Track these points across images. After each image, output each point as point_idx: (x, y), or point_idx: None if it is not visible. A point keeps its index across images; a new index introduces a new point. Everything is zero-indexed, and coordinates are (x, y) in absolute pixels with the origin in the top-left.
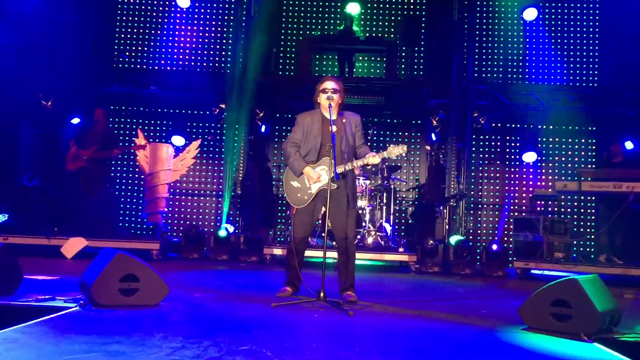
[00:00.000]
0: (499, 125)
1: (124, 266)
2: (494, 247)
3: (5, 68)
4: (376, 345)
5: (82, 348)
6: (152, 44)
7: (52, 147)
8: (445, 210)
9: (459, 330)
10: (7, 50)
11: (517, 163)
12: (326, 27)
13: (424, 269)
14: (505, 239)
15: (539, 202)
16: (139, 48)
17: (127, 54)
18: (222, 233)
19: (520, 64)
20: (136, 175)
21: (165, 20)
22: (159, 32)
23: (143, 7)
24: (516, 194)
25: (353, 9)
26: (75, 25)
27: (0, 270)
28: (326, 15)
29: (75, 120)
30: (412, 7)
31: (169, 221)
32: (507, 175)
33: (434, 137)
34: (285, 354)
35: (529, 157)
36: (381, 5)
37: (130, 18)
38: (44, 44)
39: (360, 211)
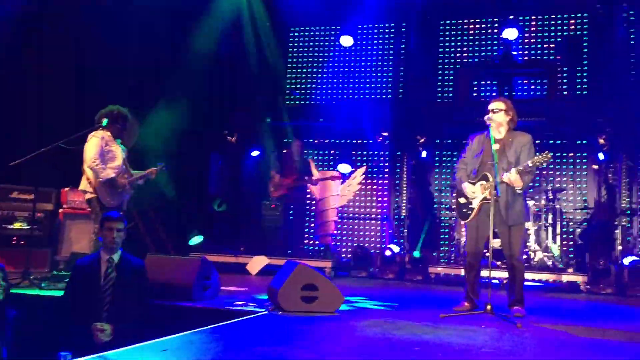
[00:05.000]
0: None
1: (305, 276)
2: None
3: (199, 108)
4: (543, 353)
5: (275, 341)
6: (319, 80)
7: (236, 176)
8: (617, 231)
9: (632, 348)
10: (199, 89)
11: None
12: (484, 52)
13: (596, 290)
14: None
15: None
16: (309, 85)
17: (298, 91)
18: (387, 253)
19: None
20: (307, 201)
21: (331, 58)
22: (325, 69)
23: (311, 48)
24: None
25: (511, 34)
26: (253, 68)
27: (202, 279)
28: (483, 42)
29: (255, 153)
30: (572, 26)
31: (339, 242)
32: None
33: (601, 156)
34: (455, 354)
35: None
36: (539, 28)
37: (300, 59)
38: (228, 86)
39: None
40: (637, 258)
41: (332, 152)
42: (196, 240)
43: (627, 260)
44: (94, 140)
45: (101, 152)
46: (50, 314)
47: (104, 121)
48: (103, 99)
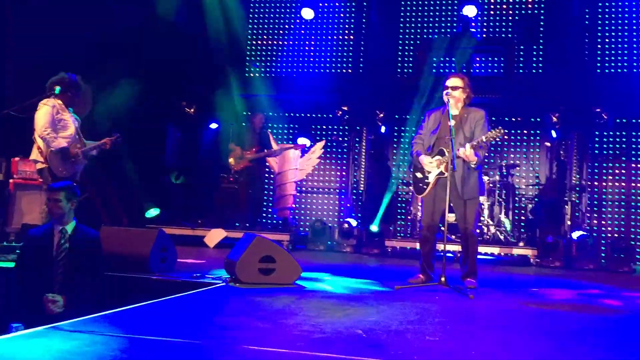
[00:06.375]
0: (624, 120)
1: (263, 248)
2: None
3: (154, 78)
4: (494, 322)
5: (233, 312)
6: (279, 53)
7: (194, 149)
8: (567, 207)
9: (577, 314)
10: (157, 59)
11: None
12: (443, 29)
13: (545, 263)
14: (633, 235)
15: None
16: (268, 57)
17: (258, 64)
18: (345, 226)
19: None
20: (266, 175)
21: (291, 31)
22: (285, 42)
23: (271, 20)
24: None
25: (470, 11)
26: (212, 39)
27: (159, 251)
28: (443, 18)
29: (214, 125)
30: (529, 5)
31: (297, 216)
32: (633, 172)
33: (554, 134)
34: (410, 324)
35: None
36: (498, 6)
37: (259, 31)
38: (187, 57)
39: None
40: (585, 233)
41: (291, 125)
42: (153, 212)
43: (575, 235)
44: (45, 108)
45: (52, 121)
46: (1, 286)
47: (57, 89)
48: (55, 66)
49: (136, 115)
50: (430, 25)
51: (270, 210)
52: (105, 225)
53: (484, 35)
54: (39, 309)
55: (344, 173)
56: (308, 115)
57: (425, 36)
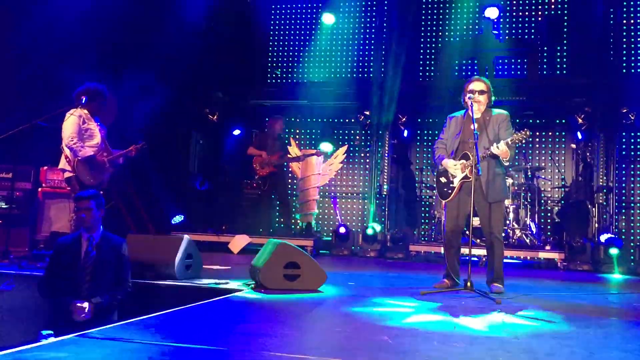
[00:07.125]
0: None
1: (287, 254)
2: None
3: (177, 84)
4: (522, 327)
5: (258, 318)
6: (300, 59)
7: (218, 155)
8: (594, 209)
9: (607, 320)
10: (180, 67)
11: None
12: (465, 32)
13: (572, 267)
14: None
15: None
16: (290, 63)
17: (279, 70)
18: (369, 232)
19: None
20: (289, 180)
21: (312, 37)
22: (306, 48)
23: (292, 27)
24: None
25: (492, 13)
26: (234, 47)
27: (185, 258)
28: (465, 21)
29: (237, 132)
30: (553, 6)
31: (320, 221)
32: None
33: (579, 135)
34: (436, 330)
35: None
36: (521, 7)
37: (281, 37)
38: (210, 64)
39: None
40: (613, 235)
41: (313, 130)
42: (177, 219)
43: (603, 238)
44: (72, 118)
45: (79, 130)
46: (30, 293)
47: (83, 99)
48: (80, 76)
49: (160, 123)
50: (452, 28)
51: (293, 215)
52: (131, 233)
53: (507, 37)
54: (67, 317)
55: (366, 178)
56: (330, 120)
57: (447, 39)
